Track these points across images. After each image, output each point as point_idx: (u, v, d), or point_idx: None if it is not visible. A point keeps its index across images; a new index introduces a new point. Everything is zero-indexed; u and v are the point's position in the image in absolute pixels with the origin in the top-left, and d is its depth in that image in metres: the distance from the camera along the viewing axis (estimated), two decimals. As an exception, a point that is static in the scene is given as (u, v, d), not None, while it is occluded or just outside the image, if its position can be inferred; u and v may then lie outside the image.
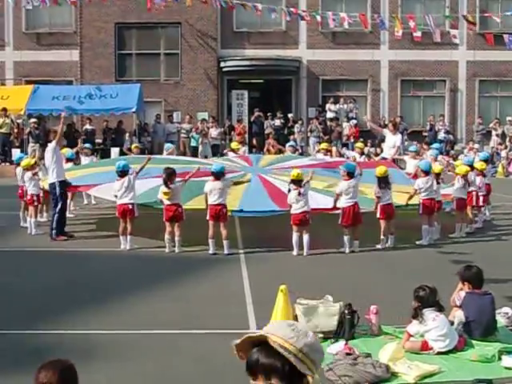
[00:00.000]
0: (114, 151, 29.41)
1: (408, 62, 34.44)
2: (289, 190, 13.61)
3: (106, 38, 33.77)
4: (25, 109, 29.23)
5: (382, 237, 14.02)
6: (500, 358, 7.48)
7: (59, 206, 14.84)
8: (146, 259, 13.23)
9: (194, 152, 31.50)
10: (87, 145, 20.99)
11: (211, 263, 12.72)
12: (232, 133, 32.35)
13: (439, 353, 7.69)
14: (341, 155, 25.44)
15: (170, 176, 13.57)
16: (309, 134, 32.86)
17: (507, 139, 32.66)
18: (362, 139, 31.58)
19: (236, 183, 14.44)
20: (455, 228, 15.35)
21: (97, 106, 29.39)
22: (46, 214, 17.11)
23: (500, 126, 33.12)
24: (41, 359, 7.29)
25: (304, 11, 28.49)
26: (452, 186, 15.85)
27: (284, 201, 13.85)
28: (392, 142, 20.23)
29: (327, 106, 33.68)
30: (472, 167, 16.41)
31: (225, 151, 20.62)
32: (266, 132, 32.44)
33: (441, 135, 32.66)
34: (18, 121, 31.18)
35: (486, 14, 24.74)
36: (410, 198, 14.68)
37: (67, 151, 18.39)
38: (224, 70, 34.20)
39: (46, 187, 15.90)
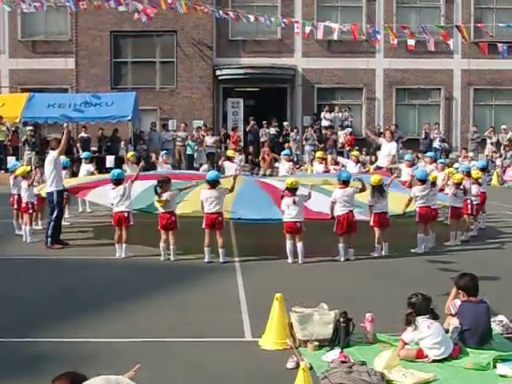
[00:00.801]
0: (109, 159, 29.41)
1: (403, 70, 34.56)
2: (282, 197, 13.59)
3: (102, 46, 33.81)
4: (20, 116, 29.20)
5: (376, 245, 14.04)
6: (495, 366, 7.48)
7: (55, 213, 14.86)
8: (142, 267, 13.22)
9: (190, 160, 31.54)
10: (86, 153, 20.97)
11: (206, 271, 12.72)
12: (227, 141, 32.39)
13: (434, 361, 7.69)
14: (336, 163, 25.41)
15: (162, 185, 13.58)
16: (304, 142, 32.92)
17: (502, 147, 32.76)
18: (357, 147, 31.66)
19: (181, 190, 14.23)
20: (450, 236, 15.37)
21: (92, 113, 29.36)
22: (40, 222, 17.10)
23: (495, 135, 33.23)
24: (37, 367, 7.33)
25: (296, 22, 28.52)
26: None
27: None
28: (387, 150, 20.29)
29: (322, 114, 33.74)
30: (469, 175, 16.46)
31: (220, 162, 20.45)
32: (261, 140, 32.49)
33: (436, 143, 32.74)
34: (13, 129, 31.16)
35: (479, 25, 24.79)
36: (407, 206, 14.72)
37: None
38: (219, 78, 34.27)
39: (43, 194, 15.92)
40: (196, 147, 31.41)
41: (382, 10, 34.65)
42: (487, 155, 32.53)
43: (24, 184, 15.85)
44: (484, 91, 35.32)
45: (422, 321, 7.83)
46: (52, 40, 34.49)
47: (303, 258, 13.30)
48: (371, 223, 14.15)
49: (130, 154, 20.91)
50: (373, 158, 28.67)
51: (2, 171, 29.02)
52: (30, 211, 15.80)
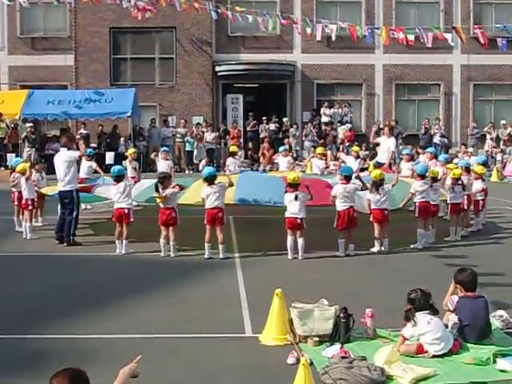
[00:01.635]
0: (109, 156, 29.39)
1: (402, 65, 34.56)
2: (285, 192, 13.59)
3: (101, 42, 33.79)
4: (20, 113, 29.18)
5: (376, 240, 14.04)
6: (495, 361, 7.49)
7: (75, 212, 14.84)
8: (142, 263, 13.23)
9: (189, 156, 31.55)
10: (88, 150, 20.93)
11: (207, 267, 12.72)
12: (227, 137, 32.39)
13: (434, 356, 7.70)
14: (336, 159, 25.44)
15: (163, 181, 13.60)
16: (303, 138, 32.92)
17: (501, 143, 32.75)
18: (356, 143, 31.65)
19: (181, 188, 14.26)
20: (450, 231, 15.37)
21: (92, 110, 29.33)
22: (40, 219, 17.10)
23: (494, 130, 33.22)
24: (37, 364, 7.34)
25: (295, 23, 28.46)
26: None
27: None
28: (386, 146, 20.27)
29: (322, 110, 33.75)
30: (468, 171, 16.45)
31: (227, 164, 20.26)
32: (261, 136, 32.49)
33: (436, 139, 32.74)
34: (12, 125, 31.17)
35: (477, 26, 24.72)
36: (407, 201, 14.72)
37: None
38: (219, 74, 34.26)
39: (45, 192, 15.93)
40: (195, 143, 31.40)
41: (381, 6, 34.63)
42: (487, 150, 32.53)
43: (23, 181, 15.85)
44: (483, 86, 35.32)
45: (422, 316, 7.83)
46: (51, 36, 34.48)
47: (303, 254, 13.31)
48: (371, 219, 14.16)
49: (131, 150, 20.87)
50: (373, 153, 28.63)
51: (2, 168, 29.03)
52: (30, 208, 15.79)
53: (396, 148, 21.40)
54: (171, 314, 9.61)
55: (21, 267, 12.94)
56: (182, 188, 14.02)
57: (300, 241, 13.33)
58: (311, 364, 7.23)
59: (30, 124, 29.99)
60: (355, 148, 21.73)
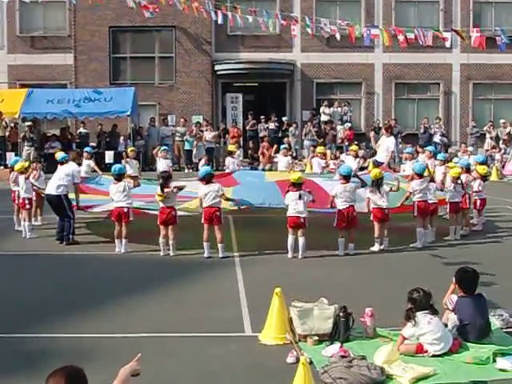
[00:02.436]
0: (109, 155, 29.40)
1: (402, 64, 34.52)
2: (287, 191, 13.61)
3: (100, 41, 33.75)
4: (19, 112, 29.18)
5: (375, 239, 14.04)
6: (495, 360, 7.49)
7: (69, 213, 14.86)
8: (141, 263, 13.22)
9: (189, 155, 31.53)
10: (87, 149, 20.92)
11: (206, 266, 12.72)
12: (226, 136, 32.37)
13: (434, 355, 7.69)
14: (336, 158, 25.45)
15: (166, 180, 13.61)
16: (303, 137, 32.91)
17: (501, 142, 32.74)
18: (356, 142, 31.64)
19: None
20: (449, 231, 15.36)
21: (91, 109, 29.34)
22: (40, 218, 17.08)
23: (494, 129, 33.20)
24: (36, 363, 7.33)
25: (294, 23, 28.46)
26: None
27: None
28: (386, 145, 20.25)
29: (321, 108, 33.71)
30: (468, 170, 16.43)
31: (226, 163, 20.24)
32: (261, 135, 32.48)
33: (436, 138, 32.72)
34: (12, 124, 31.16)
35: (476, 29, 24.70)
36: (405, 199, 14.71)
37: (60, 154, 18.24)
38: (218, 73, 34.23)
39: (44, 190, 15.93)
40: (195, 142, 31.39)
41: (380, 5, 34.59)
42: (487, 150, 32.51)
43: (22, 180, 15.83)
44: (483, 85, 35.28)
45: (422, 316, 7.83)
46: (51, 35, 34.43)
47: (303, 253, 13.30)
48: (371, 218, 14.16)
49: (130, 149, 20.88)
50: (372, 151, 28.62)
51: (2, 167, 29.00)
52: (28, 207, 15.77)
53: (395, 147, 21.34)
54: (170, 313, 9.60)
55: (19, 266, 12.93)
56: (180, 188, 14.00)
57: (301, 240, 13.34)
58: (311, 363, 7.22)
59: (29, 123, 29.98)
60: (354, 147, 21.73)
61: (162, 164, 19.63)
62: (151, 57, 34.38)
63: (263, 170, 27.24)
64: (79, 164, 15.52)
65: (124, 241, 13.91)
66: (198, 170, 25.90)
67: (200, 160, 28.15)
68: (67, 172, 14.94)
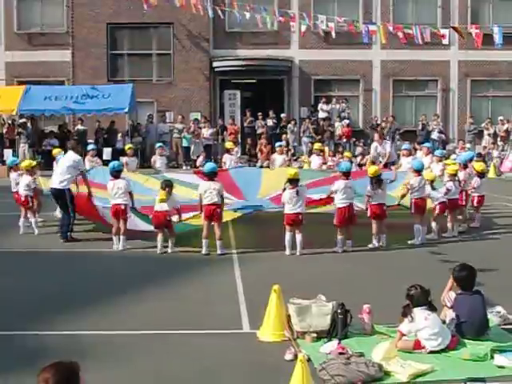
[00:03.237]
0: (107, 151, 29.39)
1: (400, 61, 34.50)
2: (284, 189, 13.62)
3: (98, 38, 33.71)
4: (17, 109, 29.16)
5: (373, 236, 14.05)
6: (492, 357, 7.50)
7: (70, 209, 14.86)
8: (139, 260, 13.22)
9: (186, 152, 31.53)
10: (92, 146, 20.86)
11: (204, 263, 12.71)
12: (224, 133, 32.36)
13: (432, 352, 7.70)
14: (334, 155, 25.49)
15: (167, 188, 13.60)
16: (301, 134, 32.90)
17: (499, 139, 32.76)
18: (354, 139, 31.76)
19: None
20: (447, 227, 15.36)
21: (89, 106, 29.33)
22: (37, 215, 17.03)
23: (492, 126, 33.21)
24: (35, 361, 7.31)
25: (292, 19, 28.45)
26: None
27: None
28: (382, 152, 20.16)
29: (319, 105, 33.71)
30: (466, 166, 16.45)
31: (224, 160, 20.25)
32: (259, 132, 32.48)
33: (434, 135, 32.74)
34: (9, 121, 31.14)
35: (474, 26, 24.69)
36: (403, 196, 14.72)
37: (60, 152, 18.24)
38: (216, 70, 34.20)
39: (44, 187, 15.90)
40: (192, 139, 31.38)
41: (378, 1, 34.56)
42: (484, 146, 32.54)
43: (26, 177, 15.74)
44: (481, 82, 35.28)
45: (419, 312, 7.83)
46: (48, 32, 34.37)
47: (301, 250, 13.31)
48: (368, 214, 14.16)
49: (128, 146, 20.87)
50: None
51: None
52: (31, 204, 15.74)
53: (392, 147, 21.31)
54: (168, 310, 9.60)
55: (18, 263, 12.92)
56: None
57: (298, 237, 13.35)
58: (309, 360, 7.22)
59: (22, 120, 29.93)
60: (347, 153, 21.96)
61: (158, 161, 19.67)
62: (149, 54, 34.37)
63: (261, 166, 27.20)
64: (79, 153, 15.39)
65: (122, 237, 13.91)
66: (195, 166, 25.95)
67: (198, 157, 28.19)
68: (68, 164, 14.85)
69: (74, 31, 33.78)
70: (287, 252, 13.35)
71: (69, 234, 14.79)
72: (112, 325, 8.93)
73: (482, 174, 16.69)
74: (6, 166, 27.18)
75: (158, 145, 21.28)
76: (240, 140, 32.32)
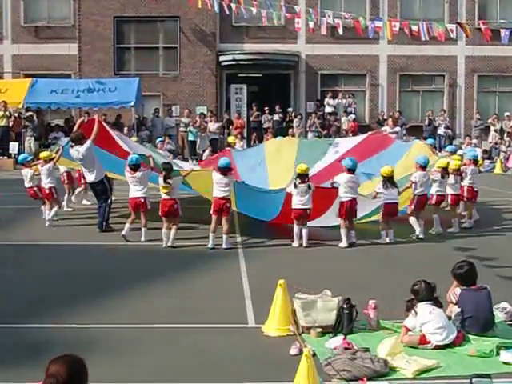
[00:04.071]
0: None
1: (407, 56, 34.42)
2: (295, 185, 13.57)
3: (105, 31, 33.71)
4: (23, 102, 29.18)
5: (383, 232, 14.01)
6: (498, 353, 7.48)
7: (110, 199, 15.12)
8: (144, 253, 13.22)
9: (192, 146, 31.52)
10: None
11: (209, 257, 12.71)
12: (230, 127, 32.35)
13: (437, 347, 7.69)
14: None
15: (169, 172, 13.60)
16: (307, 128, 32.87)
17: (505, 134, 32.69)
18: (360, 134, 31.57)
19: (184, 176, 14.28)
20: (452, 223, 15.31)
21: (95, 99, 29.34)
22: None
23: (498, 122, 33.12)
24: (39, 353, 7.33)
25: (298, 15, 28.33)
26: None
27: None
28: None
29: (326, 100, 33.66)
30: (476, 162, 16.46)
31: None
32: (265, 126, 32.45)
33: (441, 130, 32.68)
34: (16, 114, 31.15)
35: (481, 21, 24.61)
36: (406, 188, 14.63)
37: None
38: (223, 64, 34.17)
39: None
40: (198, 133, 31.38)
41: (386, -2, 34.50)
42: (491, 142, 32.47)
43: (46, 168, 15.68)
44: (488, 78, 35.19)
45: (424, 307, 7.83)
46: (55, 25, 34.39)
47: (307, 241, 13.42)
48: (381, 215, 14.10)
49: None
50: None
51: (5, 157, 29.02)
52: (55, 196, 15.74)
53: (400, 139, 21.37)
54: (173, 304, 9.60)
55: (24, 256, 12.91)
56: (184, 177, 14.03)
57: (304, 230, 13.49)
58: (314, 355, 7.21)
59: (29, 113, 29.95)
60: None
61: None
62: (156, 47, 34.33)
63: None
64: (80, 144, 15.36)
65: (144, 230, 14.03)
66: (201, 160, 25.92)
67: (204, 151, 28.16)
68: (82, 156, 14.81)
69: (81, 24, 33.76)
70: (295, 244, 13.49)
71: (104, 223, 14.97)
72: (115, 318, 8.92)
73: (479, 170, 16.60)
74: (13, 159, 27.37)
75: (159, 139, 21.29)
76: (246, 134, 32.30)
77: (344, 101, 33.69)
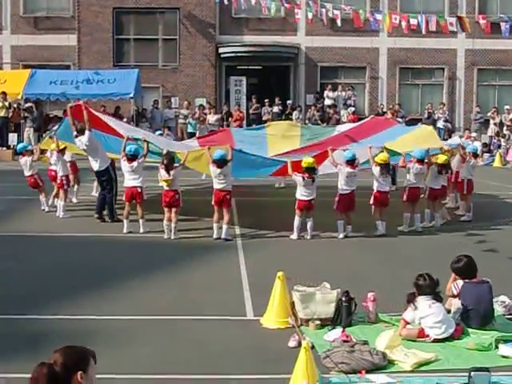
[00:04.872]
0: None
1: (407, 49, 34.35)
2: (303, 179, 13.52)
3: (104, 22, 33.61)
4: (22, 93, 29.11)
5: (378, 222, 13.99)
6: (497, 347, 7.49)
7: (115, 188, 15.14)
8: (144, 245, 13.21)
9: (191, 138, 31.45)
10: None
11: (208, 249, 12.70)
12: (229, 119, 32.30)
13: (436, 340, 7.69)
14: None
15: (170, 162, 13.58)
16: (307, 121, 32.82)
17: (505, 128, 32.66)
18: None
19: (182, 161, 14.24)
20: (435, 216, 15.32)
21: (94, 90, 29.23)
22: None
23: (498, 115, 33.09)
24: (37, 344, 7.33)
25: (297, 6, 28.28)
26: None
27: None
28: None
29: (325, 93, 33.61)
30: (476, 155, 16.51)
31: None
32: (264, 119, 32.40)
33: (440, 123, 32.64)
34: (15, 105, 31.07)
35: (481, 16, 24.60)
36: (403, 166, 14.71)
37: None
38: (222, 56, 34.10)
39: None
40: (198, 125, 31.33)
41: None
42: (491, 136, 32.45)
43: (55, 157, 15.68)
44: (488, 71, 35.14)
45: (424, 300, 7.83)
46: (54, 16, 34.29)
47: (311, 233, 13.49)
48: (371, 201, 14.10)
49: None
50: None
51: (4, 148, 28.97)
52: (66, 186, 15.74)
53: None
54: (172, 296, 9.60)
55: (24, 247, 12.88)
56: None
57: (309, 222, 13.58)
58: (312, 347, 7.23)
59: (28, 104, 29.88)
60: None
61: None
62: (155, 39, 34.25)
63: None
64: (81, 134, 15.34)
65: (141, 221, 14.02)
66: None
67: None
68: (85, 146, 14.83)
69: (80, 15, 33.67)
70: (295, 236, 13.48)
71: (114, 213, 15.01)
72: (114, 310, 8.93)
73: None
74: (12, 150, 27.34)
75: (158, 132, 21.23)
76: (245, 126, 32.23)
77: (344, 93, 33.64)
